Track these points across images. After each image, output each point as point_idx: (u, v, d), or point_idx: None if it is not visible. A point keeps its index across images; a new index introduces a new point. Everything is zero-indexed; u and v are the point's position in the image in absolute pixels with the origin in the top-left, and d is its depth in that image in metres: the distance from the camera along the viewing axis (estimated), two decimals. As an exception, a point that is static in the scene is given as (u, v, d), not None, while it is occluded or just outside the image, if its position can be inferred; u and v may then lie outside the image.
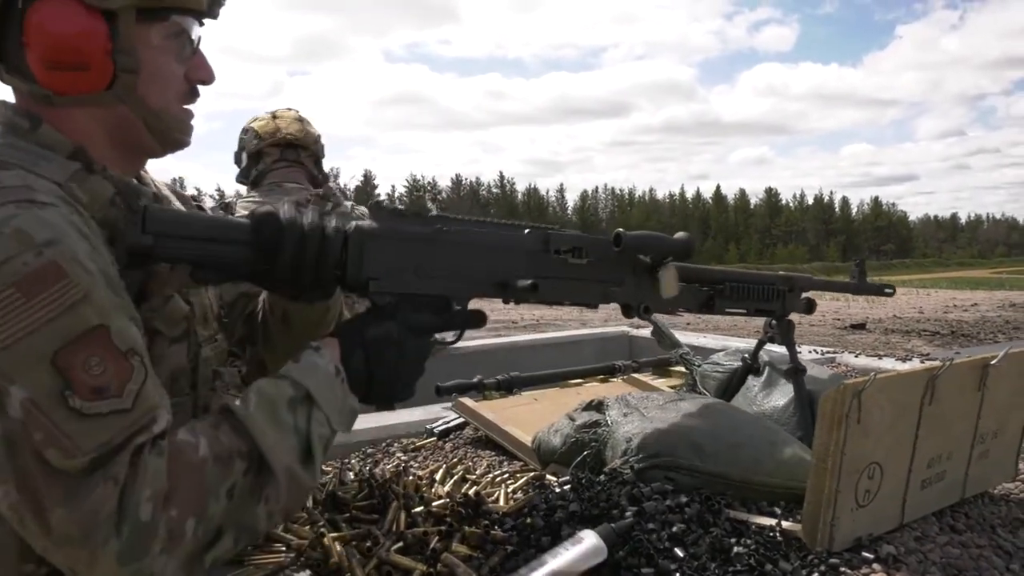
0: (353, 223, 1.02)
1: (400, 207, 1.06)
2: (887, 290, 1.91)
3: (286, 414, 0.89)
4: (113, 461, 0.77)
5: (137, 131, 0.99)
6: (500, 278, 1.15)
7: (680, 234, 1.36)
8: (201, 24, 1.02)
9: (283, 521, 0.93)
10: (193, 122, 1.06)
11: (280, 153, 2.43)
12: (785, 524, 1.12)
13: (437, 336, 1.10)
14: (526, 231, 1.19)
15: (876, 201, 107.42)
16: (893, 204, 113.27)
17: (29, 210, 0.81)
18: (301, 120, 2.52)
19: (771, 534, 1.10)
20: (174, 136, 1.03)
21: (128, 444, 0.78)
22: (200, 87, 1.05)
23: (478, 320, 1.13)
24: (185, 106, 1.03)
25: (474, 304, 1.14)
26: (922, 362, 2.99)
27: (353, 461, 1.65)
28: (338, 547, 1.07)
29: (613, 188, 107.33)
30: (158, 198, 1.06)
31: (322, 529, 1.11)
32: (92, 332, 0.79)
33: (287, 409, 0.90)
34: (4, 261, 0.77)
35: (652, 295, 1.34)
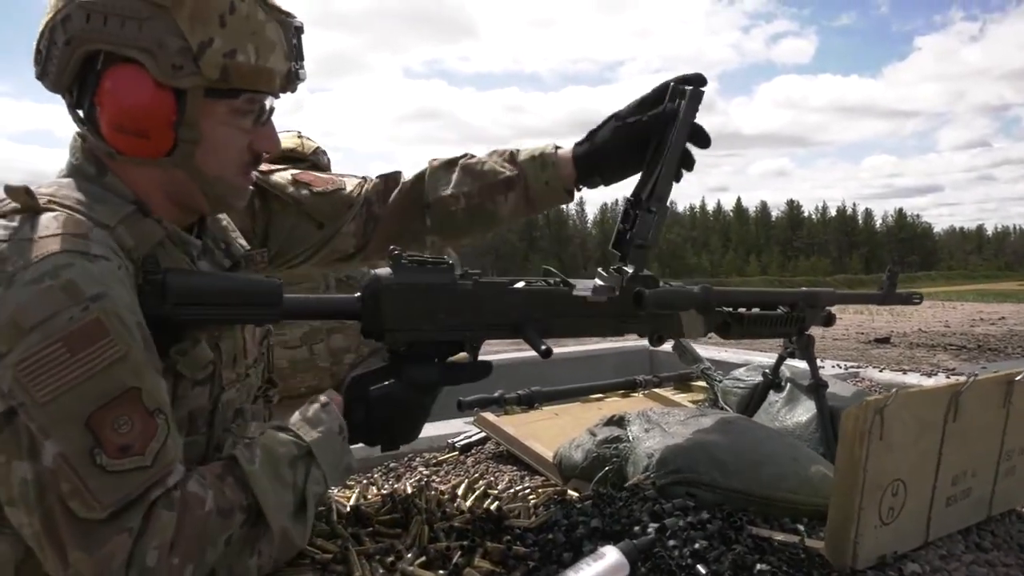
0: (372, 273, 1.06)
1: (419, 257, 1.09)
2: (915, 299, 1.88)
3: (287, 471, 0.95)
4: (130, 513, 0.82)
5: (191, 193, 1.03)
6: (514, 320, 1.17)
7: (698, 287, 1.38)
8: (277, 97, 1.05)
9: (271, 571, 0.98)
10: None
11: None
12: (808, 541, 1.11)
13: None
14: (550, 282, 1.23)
15: (900, 213, 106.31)
16: (918, 216, 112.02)
17: (81, 262, 0.84)
18: (299, 137, 2.57)
19: (794, 551, 1.09)
20: (227, 201, 1.07)
21: (145, 497, 0.84)
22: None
23: (484, 372, 1.16)
24: (244, 174, 1.06)
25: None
26: (948, 377, 2.95)
27: (376, 476, 1.67)
28: (362, 561, 1.08)
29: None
30: (207, 250, 1.10)
31: (347, 544, 1.13)
32: (126, 393, 0.83)
33: (288, 466, 0.95)
34: (53, 315, 0.80)
35: (665, 325, 1.35)
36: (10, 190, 0.90)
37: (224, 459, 0.95)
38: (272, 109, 1.06)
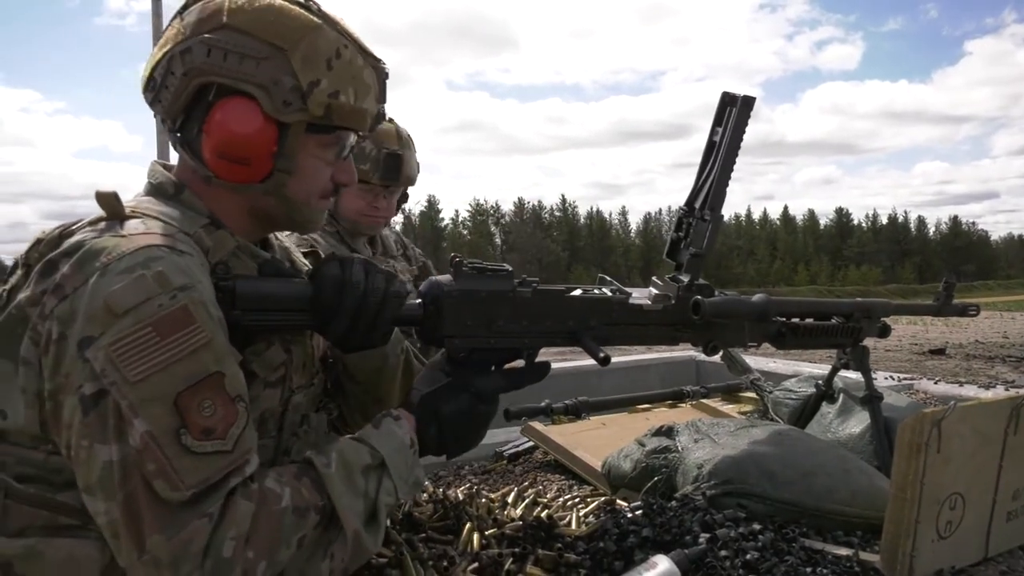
0: (432, 279, 1.10)
1: (480, 264, 1.12)
2: (971, 311, 1.85)
3: (360, 478, 0.97)
4: (210, 498, 0.85)
5: (277, 216, 1.10)
6: (571, 328, 1.18)
7: (758, 297, 1.38)
8: (358, 135, 1.12)
9: None
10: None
11: None
12: (862, 554, 1.10)
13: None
14: (607, 293, 1.24)
15: (955, 220, 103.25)
16: (973, 223, 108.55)
17: (170, 256, 0.90)
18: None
19: (848, 564, 1.09)
20: (308, 226, 1.15)
21: (224, 483, 0.87)
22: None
23: (543, 372, 1.19)
24: (324, 199, 1.13)
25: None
26: (1007, 389, 2.87)
27: (427, 483, 1.69)
28: (416, 566, 1.11)
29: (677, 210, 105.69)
30: (276, 261, 1.15)
31: (402, 549, 1.15)
32: (210, 377, 0.88)
33: (361, 474, 0.98)
34: (144, 301, 0.86)
35: (720, 335, 1.35)
36: (100, 196, 0.97)
37: (299, 462, 0.99)
38: (353, 146, 1.13)
